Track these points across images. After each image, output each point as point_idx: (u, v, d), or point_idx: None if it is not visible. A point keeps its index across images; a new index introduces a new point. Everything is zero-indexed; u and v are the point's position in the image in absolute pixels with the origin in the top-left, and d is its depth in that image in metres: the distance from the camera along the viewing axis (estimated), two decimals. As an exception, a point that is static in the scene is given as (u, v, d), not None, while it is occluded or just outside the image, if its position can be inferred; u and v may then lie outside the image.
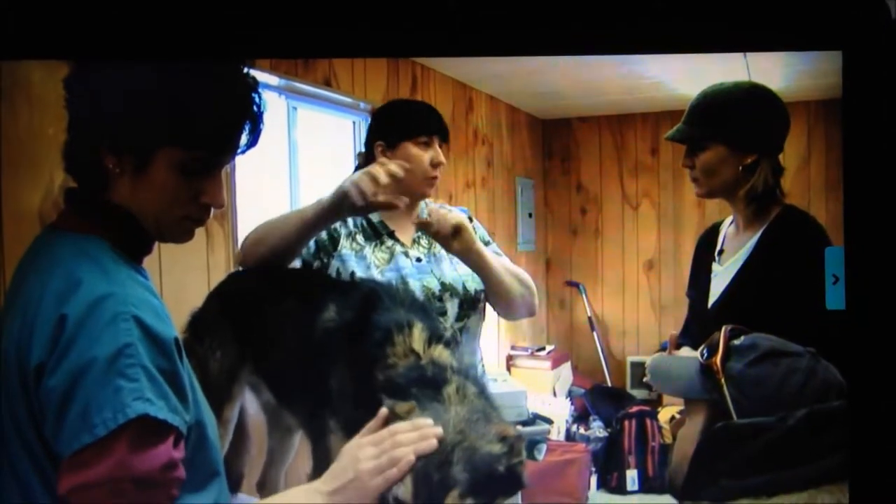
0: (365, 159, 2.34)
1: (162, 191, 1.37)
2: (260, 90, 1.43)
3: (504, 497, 1.47)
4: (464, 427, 1.43)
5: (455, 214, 2.12)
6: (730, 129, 2.14)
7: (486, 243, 2.45)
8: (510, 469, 1.43)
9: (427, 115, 2.33)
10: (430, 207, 2.17)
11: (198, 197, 1.41)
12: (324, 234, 2.19)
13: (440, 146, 2.29)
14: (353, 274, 2.15)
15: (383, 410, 1.47)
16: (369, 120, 2.39)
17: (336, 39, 1.49)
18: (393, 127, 2.29)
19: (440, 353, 1.66)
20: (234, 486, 1.84)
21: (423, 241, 2.34)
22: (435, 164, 2.26)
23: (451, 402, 1.52)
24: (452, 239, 2.09)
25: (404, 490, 1.36)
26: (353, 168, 2.40)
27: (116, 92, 1.32)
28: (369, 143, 2.33)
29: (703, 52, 1.52)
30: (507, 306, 2.30)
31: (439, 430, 1.42)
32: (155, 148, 1.35)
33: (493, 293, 2.27)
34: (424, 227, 2.11)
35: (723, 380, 1.37)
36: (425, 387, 1.56)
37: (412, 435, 1.40)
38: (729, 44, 1.51)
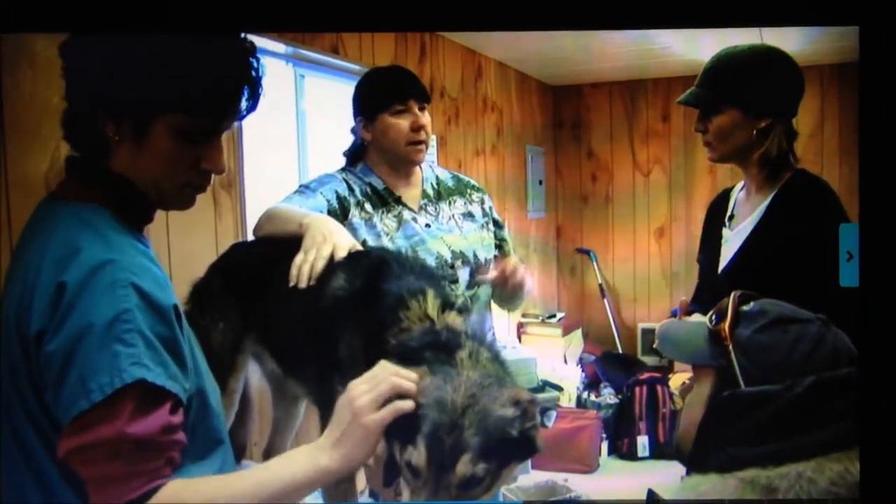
0: (357, 139, 2.37)
1: (162, 157, 1.37)
2: (258, 55, 1.42)
3: (518, 462, 1.47)
4: (475, 391, 1.41)
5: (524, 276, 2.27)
6: (744, 93, 2.12)
7: (500, 226, 2.46)
8: (523, 433, 1.42)
9: (398, 81, 2.31)
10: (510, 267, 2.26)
11: (198, 163, 1.40)
12: (334, 203, 2.19)
13: (421, 108, 2.28)
14: (364, 242, 2.15)
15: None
16: (354, 90, 2.37)
17: (341, 12, 1.48)
18: (368, 101, 2.30)
19: (454, 318, 1.66)
20: (239, 455, 1.84)
21: (431, 208, 2.33)
22: (416, 128, 2.26)
23: (464, 367, 1.51)
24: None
25: (417, 455, 1.35)
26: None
27: (114, 58, 1.31)
28: (354, 118, 2.35)
29: (719, 27, 1.51)
30: (511, 307, 2.52)
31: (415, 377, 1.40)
32: (154, 114, 1.34)
33: (505, 301, 2.43)
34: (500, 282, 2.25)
35: (731, 346, 1.36)
36: (439, 350, 1.56)
37: (407, 371, 1.39)
38: (745, 19, 1.49)
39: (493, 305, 2.45)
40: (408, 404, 1.34)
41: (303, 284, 1.78)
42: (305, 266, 1.79)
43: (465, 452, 1.35)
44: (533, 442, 1.44)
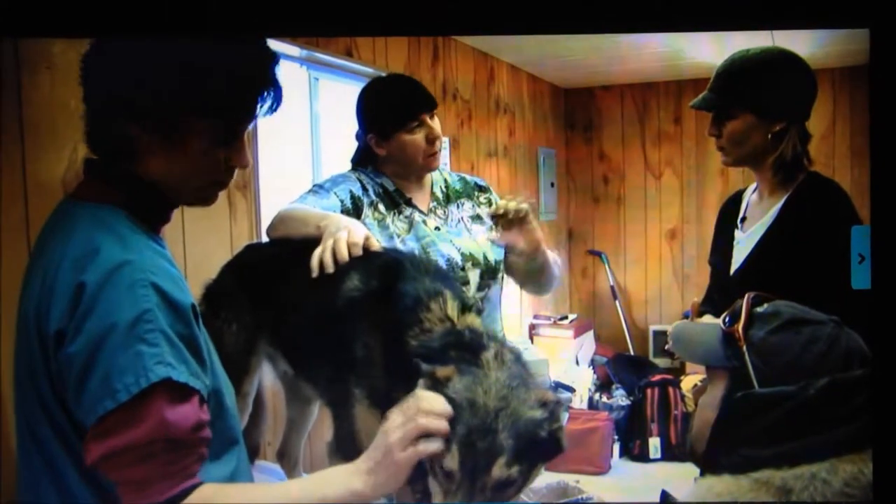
0: (365, 146, 2.35)
1: (194, 160, 1.39)
2: (279, 58, 1.44)
3: (544, 462, 1.48)
4: (506, 393, 1.42)
5: (524, 204, 2.15)
6: (758, 97, 2.11)
7: None
8: (551, 434, 1.43)
9: (407, 98, 2.30)
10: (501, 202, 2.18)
11: (224, 161, 1.43)
12: (348, 203, 2.20)
13: (431, 117, 2.28)
14: (377, 242, 2.15)
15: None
16: (357, 105, 2.36)
17: (355, 18, 1.49)
18: (380, 119, 2.29)
19: (473, 319, 1.66)
20: (252, 455, 1.85)
21: (440, 211, 2.34)
22: (431, 140, 2.26)
23: (491, 368, 1.51)
24: (522, 228, 2.17)
25: (450, 459, 1.36)
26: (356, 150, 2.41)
27: (144, 66, 1.33)
28: (363, 132, 2.33)
29: (730, 30, 1.51)
30: (540, 290, 2.44)
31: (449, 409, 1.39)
32: (183, 119, 1.36)
33: (536, 281, 2.36)
34: (499, 217, 2.14)
35: (744, 347, 1.37)
36: (463, 351, 1.56)
37: (438, 405, 1.38)
38: (756, 21, 1.50)
39: (502, 306, 2.44)
40: (434, 446, 1.34)
41: (329, 269, 1.78)
42: (326, 253, 1.80)
43: (500, 456, 1.36)
44: (559, 442, 1.46)
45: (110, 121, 1.35)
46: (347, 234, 1.82)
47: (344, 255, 1.79)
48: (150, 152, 1.37)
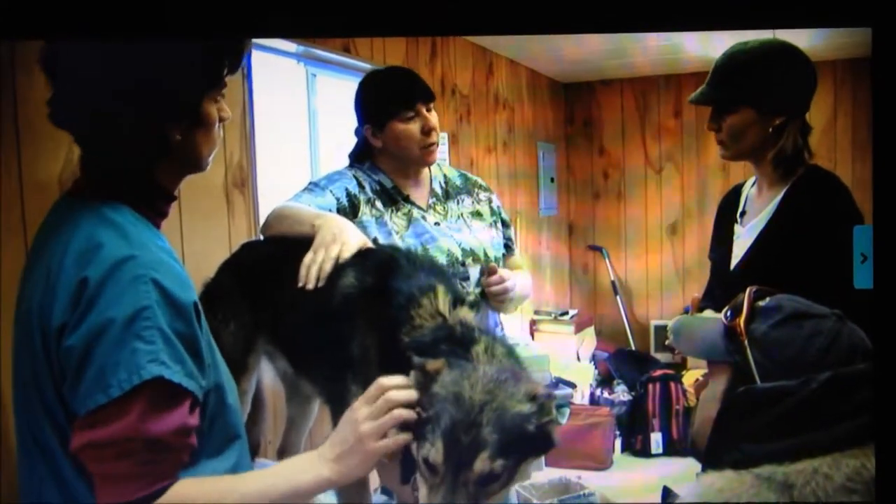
0: (363, 140, 2.36)
1: (213, 131, 1.45)
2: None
3: (535, 456, 1.47)
4: (492, 387, 1.41)
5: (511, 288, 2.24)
6: (757, 91, 2.10)
7: (507, 226, 2.46)
8: (540, 428, 1.42)
9: (404, 88, 2.30)
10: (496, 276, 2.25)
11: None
12: (344, 201, 2.19)
13: (428, 109, 2.28)
14: (375, 240, 2.15)
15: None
16: (356, 96, 2.36)
17: (353, 19, 1.49)
18: (375, 109, 2.29)
19: (466, 314, 1.66)
20: (252, 453, 1.86)
21: (439, 207, 2.34)
22: (427, 131, 2.26)
23: (480, 362, 1.51)
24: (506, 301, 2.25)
25: (434, 452, 1.36)
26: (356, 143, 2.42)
27: (169, 68, 1.35)
28: (360, 122, 2.34)
29: (731, 30, 1.51)
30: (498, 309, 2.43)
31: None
32: (204, 100, 1.41)
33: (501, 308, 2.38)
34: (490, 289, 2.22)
35: (746, 342, 1.36)
36: (454, 345, 1.56)
37: (405, 393, 1.41)
38: (757, 21, 1.49)
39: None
40: (408, 435, 1.38)
41: (310, 285, 1.79)
42: (314, 267, 1.80)
43: (483, 449, 1.35)
44: (550, 436, 1.44)
45: (147, 128, 1.36)
46: (340, 250, 1.83)
47: (326, 273, 1.81)
48: (179, 146, 1.40)
